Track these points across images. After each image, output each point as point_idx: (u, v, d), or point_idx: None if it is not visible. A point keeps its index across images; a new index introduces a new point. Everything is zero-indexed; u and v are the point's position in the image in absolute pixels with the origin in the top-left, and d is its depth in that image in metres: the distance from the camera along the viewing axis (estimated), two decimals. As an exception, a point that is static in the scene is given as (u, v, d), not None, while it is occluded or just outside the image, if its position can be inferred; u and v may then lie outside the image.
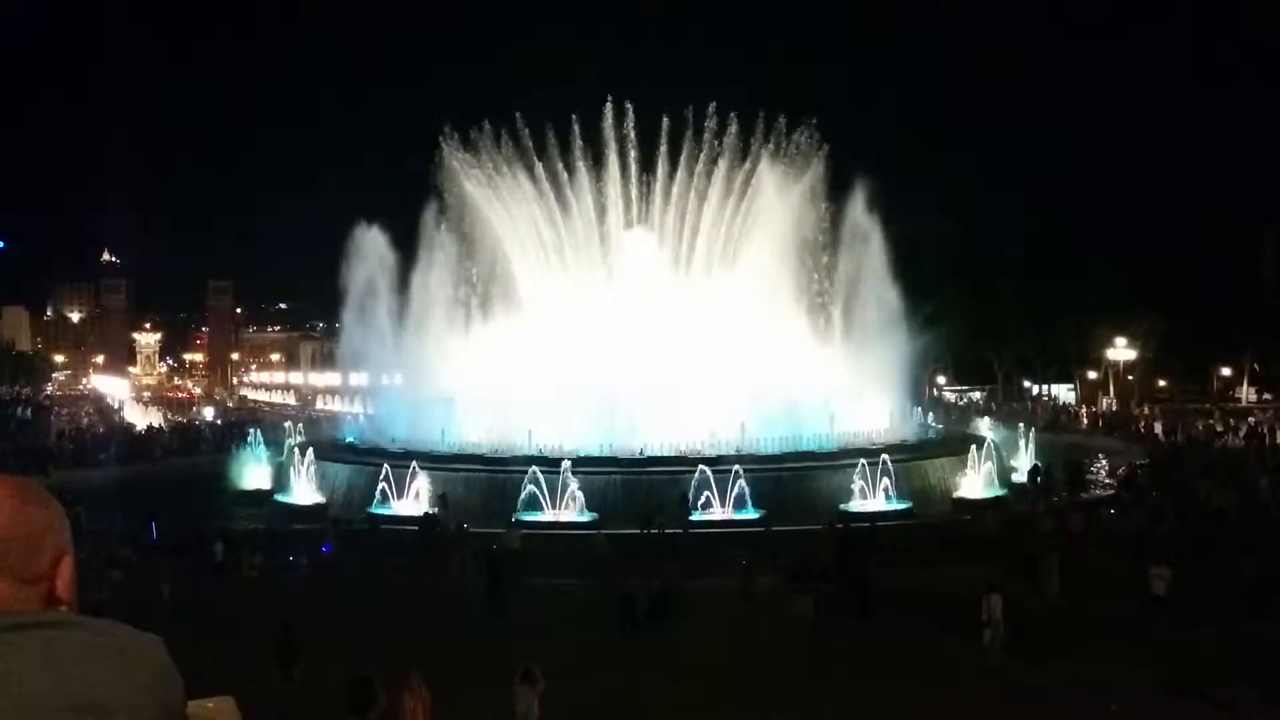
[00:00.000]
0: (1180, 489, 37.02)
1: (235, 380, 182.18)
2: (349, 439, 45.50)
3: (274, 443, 46.17)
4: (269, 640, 19.07)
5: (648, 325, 42.32)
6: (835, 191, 47.90)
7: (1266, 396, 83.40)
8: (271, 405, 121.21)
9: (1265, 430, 56.99)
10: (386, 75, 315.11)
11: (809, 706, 17.98)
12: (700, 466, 34.53)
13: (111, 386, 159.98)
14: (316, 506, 36.40)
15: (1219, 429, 59.37)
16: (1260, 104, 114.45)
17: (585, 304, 45.10)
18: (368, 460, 39.12)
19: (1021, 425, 52.13)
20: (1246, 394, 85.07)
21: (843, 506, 33.49)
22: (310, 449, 41.97)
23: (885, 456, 36.31)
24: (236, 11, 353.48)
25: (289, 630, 19.16)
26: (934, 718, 17.42)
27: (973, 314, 75.85)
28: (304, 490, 37.51)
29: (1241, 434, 56.59)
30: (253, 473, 42.85)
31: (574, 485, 33.20)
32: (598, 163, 48.34)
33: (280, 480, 39.24)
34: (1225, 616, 20.95)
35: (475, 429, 39.33)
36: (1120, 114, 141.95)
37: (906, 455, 38.27)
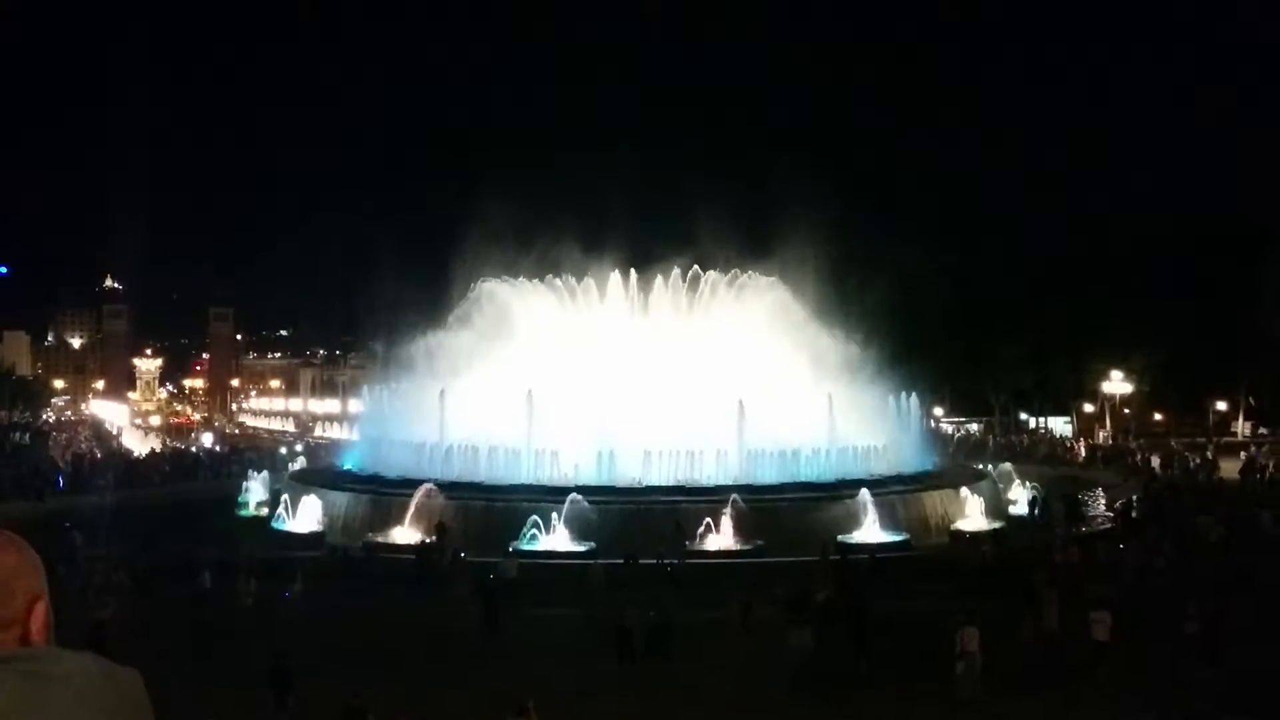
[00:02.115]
0: (1178, 523, 36.98)
1: (235, 407, 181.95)
2: (347, 466, 45.48)
3: (272, 469, 46.21)
4: (264, 669, 19.03)
5: (648, 361, 42.50)
6: (835, 234, 49.34)
7: (1262, 431, 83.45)
8: (271, 432, 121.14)
9: (1263, 464, 56.95)
10: (388, 105, 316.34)
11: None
12: (697, 496, 34.77)
13: (110, 412, 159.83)
14: (314, 534, 36.35)
15: (1216, 463, 59.30)
16: (1257, 133, 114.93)
17: (588, 343, 45.32)
18: (365, 488, 39.15)
19: (1019, 458, 52.38)
20: (1242, 428, 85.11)
21: (841, 537, 33.45)
22: (308, 476, 42.03)
23: (883, 488, 36.42)
24: (238, 36, 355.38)
25: (284, 659, 19.12)
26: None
27: (970, 346, 76.26)
28: (302, 518, 37.46)
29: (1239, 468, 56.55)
30: (251, 500, 42.86)
31: (570, 515, 33.22)
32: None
33: (278, 507, 39.18)
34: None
35: (473, 457, 39.35)
36: (1118, 147, 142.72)
37: (905, 487, 38.30)
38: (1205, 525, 36.07)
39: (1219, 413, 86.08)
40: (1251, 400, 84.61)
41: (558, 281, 48.83)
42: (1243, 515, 38.70)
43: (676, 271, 48.79)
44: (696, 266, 48.81)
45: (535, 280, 48.84)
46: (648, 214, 52.32)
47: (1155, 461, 60.76)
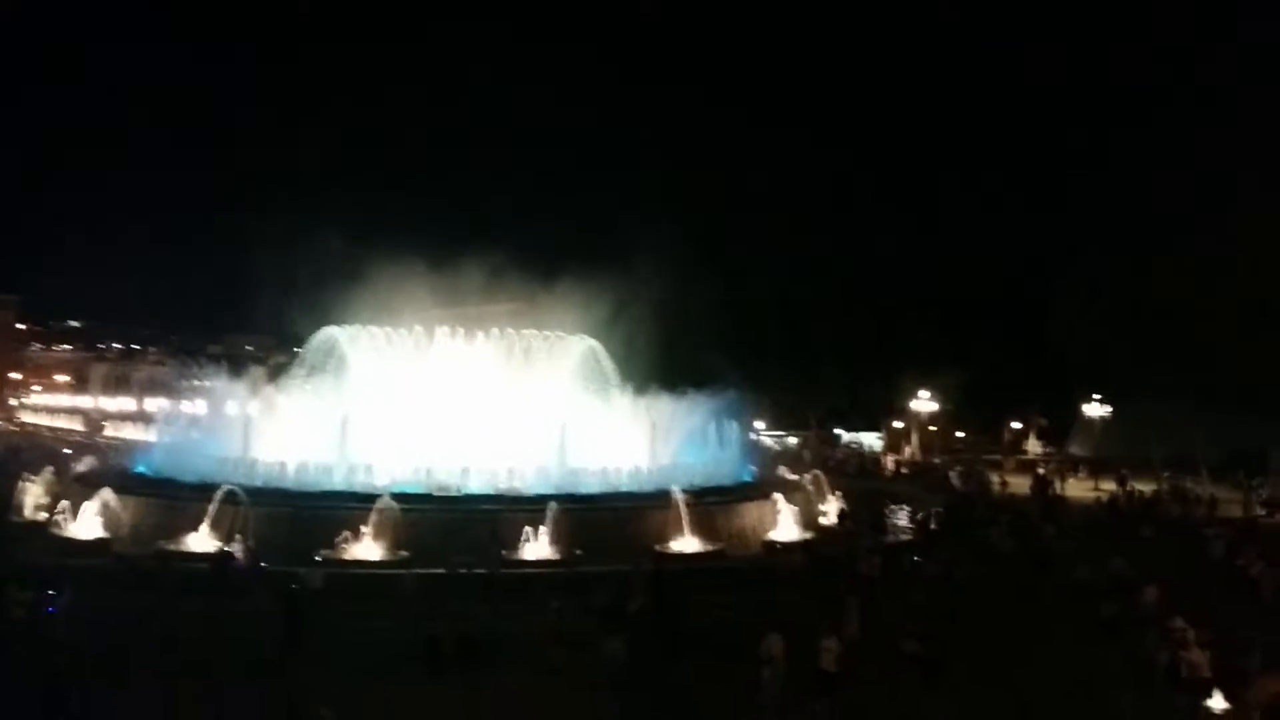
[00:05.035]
0: (972, 536, 39.16)
1: (15, 402, 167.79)
2: (140, 469, 42.51)
3: (55, 471, 42.73)
4: (35, 688, 17.34)
5: (470, 391, 42.73)
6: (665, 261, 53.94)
7: (1051, 449, 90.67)
8: (55, 430, 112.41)
9: (1052, 480, 61.39)
10: (191, 89, 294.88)
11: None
12: (517, 505, 34.29)
13: None
14: (99, 541, 33.64)
15: (1008, 479, 63.53)
16: (1058, 172, 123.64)
17: (410, 377, 45.47)
18: (160, 492, 36.63)
19: (832, 471, 54.67)
20: (1033, 446, 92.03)
21: (658, 547, 33.67)
22: (94, 478, 39.08)
23: (701, 499, 36.91)
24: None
25: (59, 677, 17.48)
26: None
27: (790, 364, 79.54)
28: (85, 523, 34.62)
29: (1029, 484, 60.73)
30: (28, 502, 39.40)
31: (383, 523, 32.08)
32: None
33: (59, 512, 36.09)
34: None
35: (280, 461, 37.63)
36: (935, 181, 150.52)
37: (721, 498, 38.92)
38: (998, 537, 38.41)
39: (1014, 431, 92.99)
40: (1042, 421, 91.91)
41: (383, 330, 48.87)
42: (1031, 528, 41.51)
43: (495, 327, 49.81)
44: (510, 329, 50.07)
45: (368, 326, 48.82)
46: (469, 255, 53.44)
47: (954, 476, 64.61)
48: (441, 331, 48.80)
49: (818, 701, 19.79)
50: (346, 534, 31.63)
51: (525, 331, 49.70)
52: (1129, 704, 19.91)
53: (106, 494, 35.25)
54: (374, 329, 48.34)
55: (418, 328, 48.79)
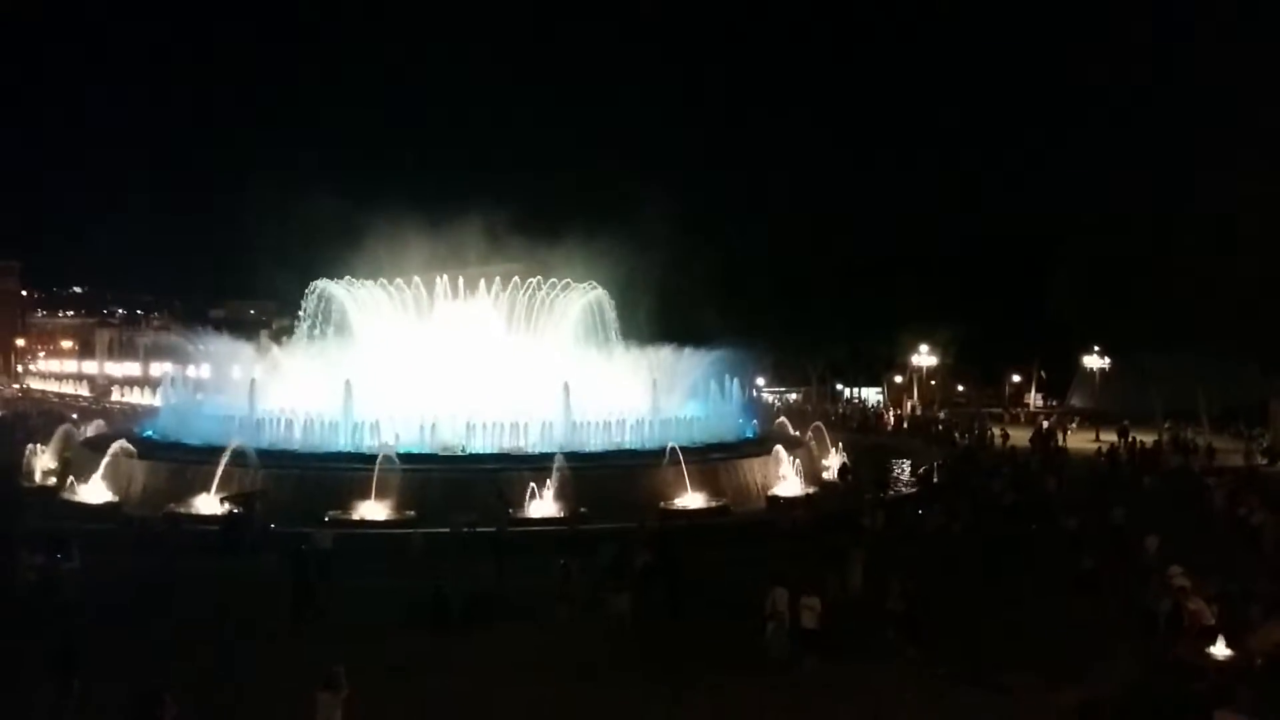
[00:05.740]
0: (974, 488, 39.37)
1: (20, 368, 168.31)
2: (148, 433, 42.79)
3: (63, 436, 43.04)
4: (46, 649, 17.58)
5: (474, 345, 43.08)
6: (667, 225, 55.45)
7: (1053, 402, 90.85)
8: (61, 396, 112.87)
9: (1055, 433, 61.56)
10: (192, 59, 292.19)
11: (613, 707, 18.10)
12: (522, 463, 34.51)
13: None
14: (108, 505, 33.96)
15: (1009, 431, 63.70)
16: (1053, 137, 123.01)
17: (414, 333, 45.78)
18: (167, 455, 36.90)
19: (833, 426, 54.90)
20: (1034, 399, 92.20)
21: (662, 504, 33.92)
22: (102, 443, 39.36)
23: (705, 455, 37.13)
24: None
25: (68, 638, 17.69)
26: (733, 713, 17.83)
27: (793, 322, 79.71)
28: (95, 487, 34.93)
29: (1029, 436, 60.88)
30: (37, 468, 39.74)
31: (391, 483, 32.31)
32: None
33: (69, 477, 36.40)
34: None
35: (286, 423, 37.85)
36: (929, 147, 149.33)
37: (724, 454, 39.16)
38: (999, 489, 38.61)
39: (1014, 385, 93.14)
40: (1042, 374, 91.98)
41: (384, 283, 49.01)
42: (1032, 480, 41.71)
43: (499, 279, 49.79)
44: (516, 277, 50.00)
45: (365, 281, 48.86)
46: (471, 210, 53.32)
47: (956, 429, 64.76)
48: (442, 284, 48.79)
49: (807, 657, 20.06)
50: (357, 503, 31.90)
51: (531, 279, 49.60)
52: (1124, 654, 20.13)
53: (115, 458, 35.52)
54: (368, 282, 48.31)
55: (415, 278, 48.76)
